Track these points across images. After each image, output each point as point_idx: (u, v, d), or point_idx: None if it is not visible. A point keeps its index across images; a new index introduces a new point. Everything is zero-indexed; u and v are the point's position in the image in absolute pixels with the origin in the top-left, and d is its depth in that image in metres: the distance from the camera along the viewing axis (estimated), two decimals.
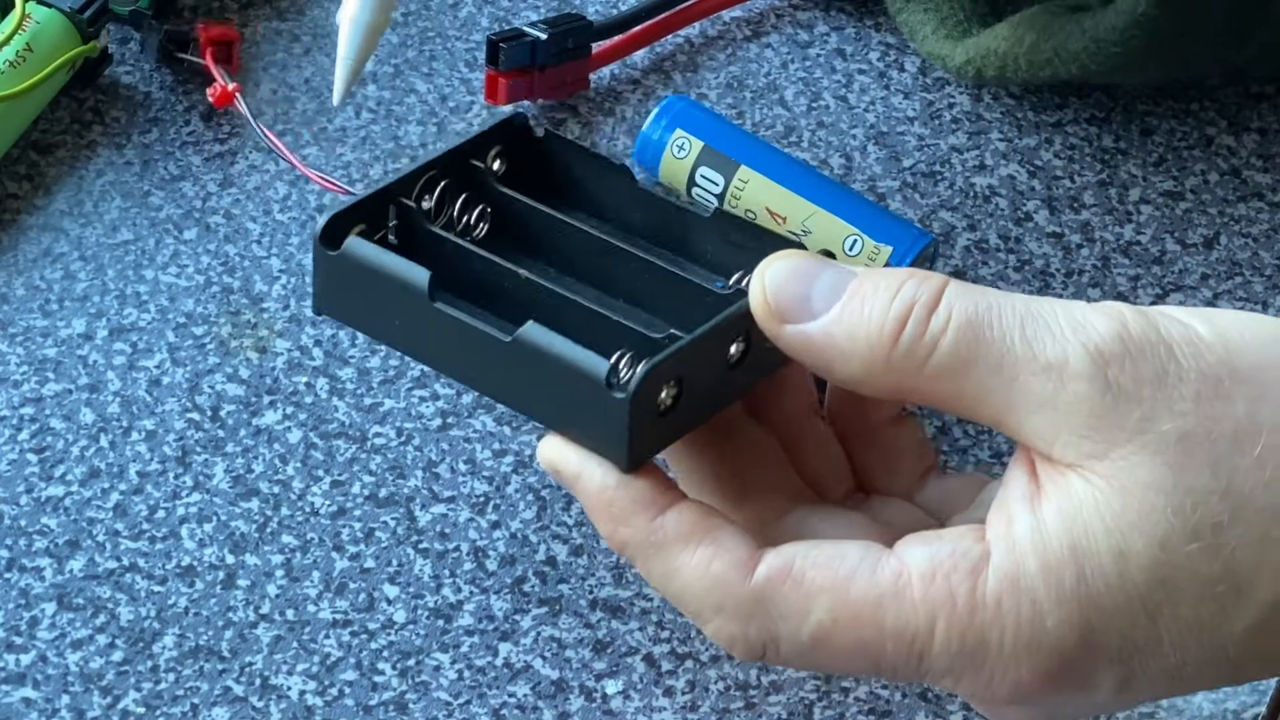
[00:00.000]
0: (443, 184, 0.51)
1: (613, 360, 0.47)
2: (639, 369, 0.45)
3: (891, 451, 0.50)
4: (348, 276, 0.48)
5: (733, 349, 0.48)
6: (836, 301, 0.45)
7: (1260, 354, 0.44)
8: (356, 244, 0.48)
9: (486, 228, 0.51)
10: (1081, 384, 0.43)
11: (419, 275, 0.47)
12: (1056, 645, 0.44)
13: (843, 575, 0.45)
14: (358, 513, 0.57)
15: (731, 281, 0.50)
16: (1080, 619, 0.43)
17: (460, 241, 0.50)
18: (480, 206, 0.51)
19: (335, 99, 0.50)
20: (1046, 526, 0.43)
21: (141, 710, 0.53)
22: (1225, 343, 0.44)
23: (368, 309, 0.49)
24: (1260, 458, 0.42)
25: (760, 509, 0.49)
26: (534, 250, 0.51)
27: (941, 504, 0.51)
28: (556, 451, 0.47)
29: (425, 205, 0.50)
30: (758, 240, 0.50)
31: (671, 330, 0.48)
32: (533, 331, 0.46)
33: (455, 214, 0.51)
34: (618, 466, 0.46)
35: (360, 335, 0.61)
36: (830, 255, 0.48)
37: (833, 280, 0.45)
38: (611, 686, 0.54)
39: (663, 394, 0.47)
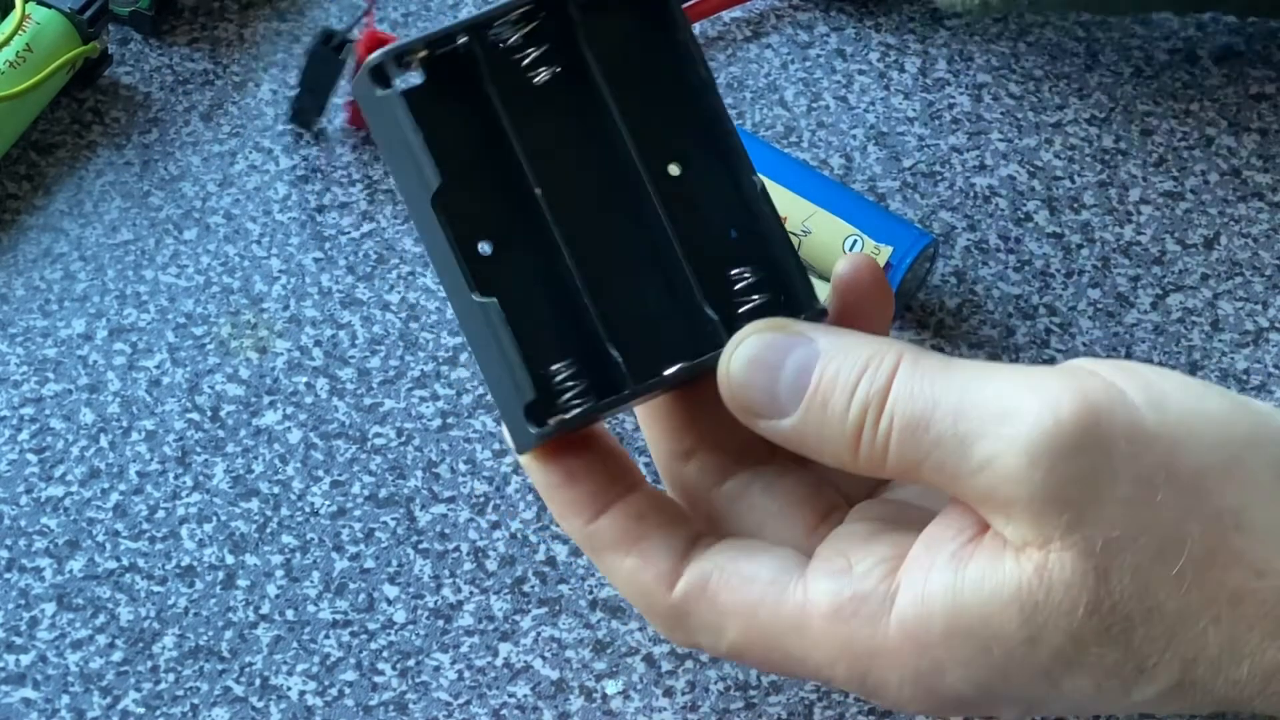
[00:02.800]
0: (531, 25, 0.48)
1: (552, 369, 0.47)
2: (544, 428, 0.46)
3: None
4: (383, 118, 0.47)
5: (679, 379, 0.48)
6: (801, 399, 0.46)
7: (1204, 456, 0.44)
8: (398, 104, 0.46)
9: (550, 75, 0.49)
10: (1009, 487, 0.43)
11: (431, 178, 0.46)
12: (955, 694, 0.45)
13: (751, 600, 0.46)
14: (358, 513, 0.57)
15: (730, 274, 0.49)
16: (981, 679, 0.45)
17: (502, 115, 0.48)
18: (555, 61, 0.49)
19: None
20: (964, 594, 0.44)
21: (141, 710, 0.53)
22: (1172, 440, 0.44)
23: (390, 150, 0.48)
24: (1179, 573, 0.43)
25: (705, 467, 0.50)
26: (578, 135, 0.49)
27: None
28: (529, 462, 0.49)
29: (496, 39, 0.48)
30: (758, 231, 0.49)
31: (635, 342, 0.47)
32: (492, 312, 0.46)
33: (524, 54, 0.49)
34: (517, 449, 0.48)
35: (360, 336, 0.61)
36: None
37: (797, 371, 0.46)
38: (611, 686, 0.54)
39: (576, 428, 0.47)
